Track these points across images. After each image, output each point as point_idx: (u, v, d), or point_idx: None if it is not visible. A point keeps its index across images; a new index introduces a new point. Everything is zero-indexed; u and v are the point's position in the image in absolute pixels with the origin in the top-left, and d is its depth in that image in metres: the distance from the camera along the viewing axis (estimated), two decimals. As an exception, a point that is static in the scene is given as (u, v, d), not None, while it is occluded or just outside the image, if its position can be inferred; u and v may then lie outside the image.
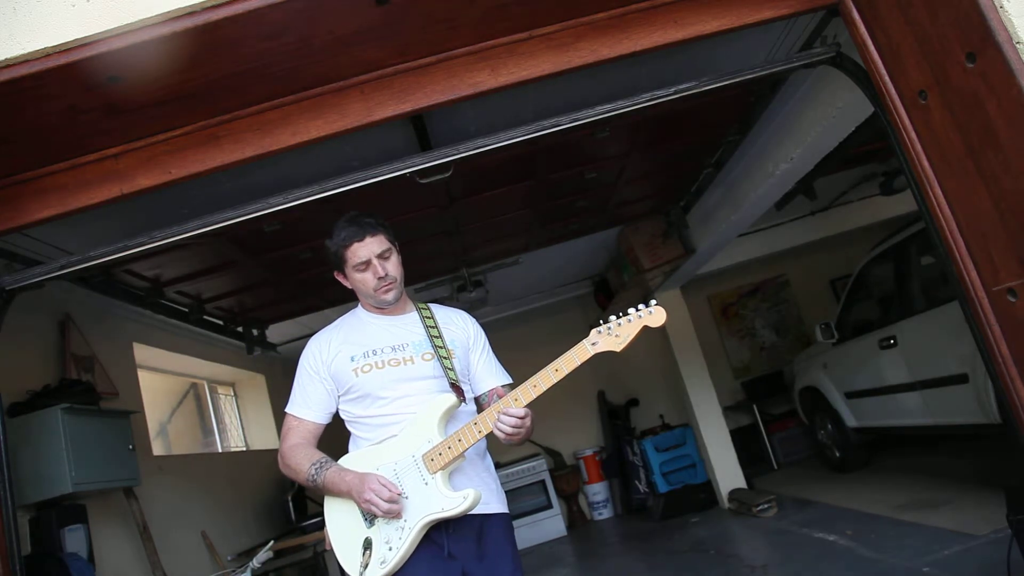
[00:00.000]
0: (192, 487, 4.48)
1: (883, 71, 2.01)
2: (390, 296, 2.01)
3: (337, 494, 1.92)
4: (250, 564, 3.40)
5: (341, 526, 1.95)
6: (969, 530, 3.69)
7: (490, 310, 6.73)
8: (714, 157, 4.13)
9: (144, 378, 4.40)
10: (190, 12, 1.65)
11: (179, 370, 5.23)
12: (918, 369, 4.44)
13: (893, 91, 2.00)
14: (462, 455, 1.87)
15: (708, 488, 6.60)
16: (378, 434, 1.96)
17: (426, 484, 1.85)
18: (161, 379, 5.03)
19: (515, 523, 7.70)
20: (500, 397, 1.93)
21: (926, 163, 1.95)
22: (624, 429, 7.48)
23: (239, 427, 6.11)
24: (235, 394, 6.20)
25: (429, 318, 2.08)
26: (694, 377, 6.51)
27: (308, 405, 2.02)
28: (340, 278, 2.07)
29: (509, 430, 1.80)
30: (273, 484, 5.53)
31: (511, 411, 1.79)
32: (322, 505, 2.07)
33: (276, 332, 5.39)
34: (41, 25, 1.64)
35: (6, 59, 1.63)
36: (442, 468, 1.85)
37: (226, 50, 1.78)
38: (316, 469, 1.92)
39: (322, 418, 2.03)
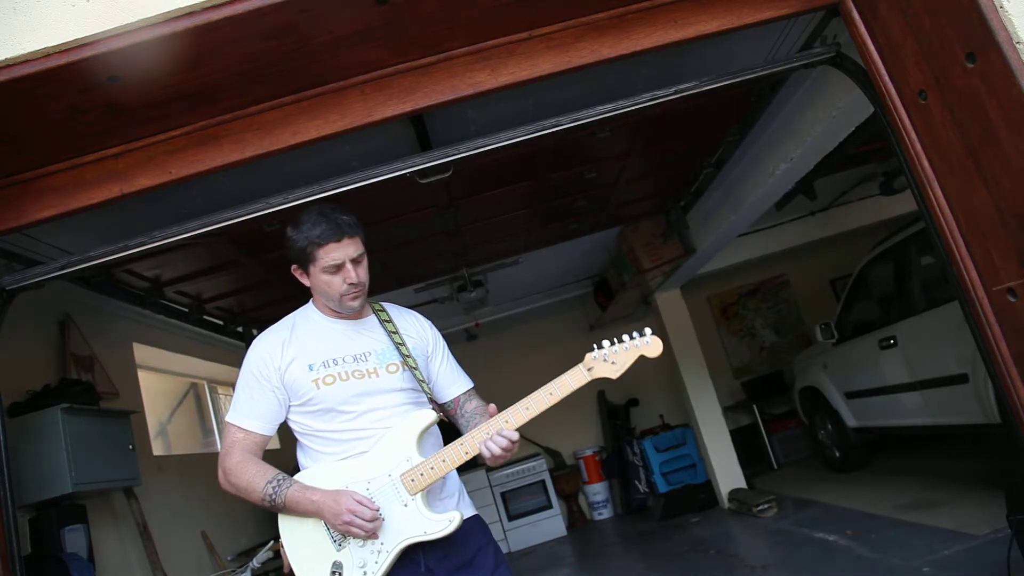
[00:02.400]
0: (192, 487, 4.48)
1: (883, 71, 2.01)
2: (356, 303, 1.86)
3: (301, 514, 1.77)
4: (250, 564, 3.39)
5: (304, 548, 1.80)
6: (969, 530, 3.69)
7: (490, 310, 6.73)
8: (714, 157, 4.12)
9: (144, 378, 4.40)
10: (190, 12, 1.65)
11: (179, 370, 5.24)
12: (918, 369, 4.44)
13: (893, 91, 2.00)
14: (443, 476, 1.78)
15: (708, 488, 6.60)
16: (343, 449, 1.81)
17: (405, 506, 1.75)
18: (161, 379, 5.03)
19: (515, 523, 7.67)
20: (492, 415, 1.81)
21: (926, 163, 1.95)
22: (624, 429, 7.48)
23: (239, 427, 6.10)
24: (235, 394, 6.19)
25: (388, 322, 1.93)
26: (694, 377, 6.51)
27: (256, 415, 1.82)
28: (298, 274, 1.89)
29: (499, 452, 1.71)
30: (273, 484, 5.51)
31: (505, 433, 1.72)
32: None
33: (276, 332, 5.38)
34: (41, 25, 1.64)
35: (6, 59, 1.63)
36: (423, 489, 1.76)
37: (226, 50, 1.78)
38: (274, 488, 1.75)
39: (270, 430, 1.85)
